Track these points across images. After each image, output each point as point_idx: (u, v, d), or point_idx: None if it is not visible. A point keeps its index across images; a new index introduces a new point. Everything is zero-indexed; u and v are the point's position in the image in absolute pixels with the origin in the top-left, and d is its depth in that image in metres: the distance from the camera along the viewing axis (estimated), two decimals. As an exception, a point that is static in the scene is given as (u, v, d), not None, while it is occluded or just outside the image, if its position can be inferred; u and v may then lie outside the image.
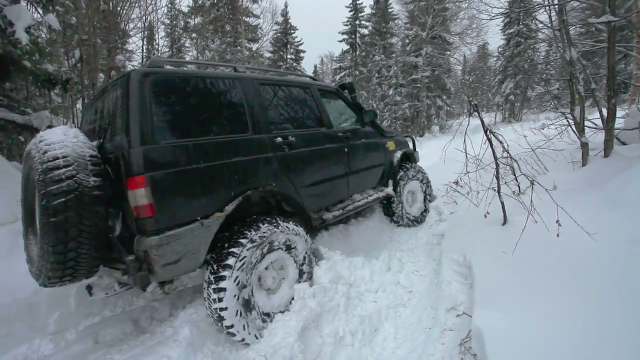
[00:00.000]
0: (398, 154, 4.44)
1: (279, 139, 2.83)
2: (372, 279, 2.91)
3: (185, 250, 2.12)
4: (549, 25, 5.62)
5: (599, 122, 4.97)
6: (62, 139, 2.04)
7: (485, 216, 2.70)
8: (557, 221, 2.15)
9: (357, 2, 28.23)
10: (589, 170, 3.84)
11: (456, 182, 3.02)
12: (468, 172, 2.92)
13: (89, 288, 2.76)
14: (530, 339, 1.56)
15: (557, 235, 2.13)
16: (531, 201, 2.44)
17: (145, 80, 2.16)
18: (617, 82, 5.00)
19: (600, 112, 4.82)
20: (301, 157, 3.01)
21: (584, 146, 4.50)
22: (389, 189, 4.20)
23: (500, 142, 2.76)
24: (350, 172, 3.62)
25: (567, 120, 5.02)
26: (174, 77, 2.37)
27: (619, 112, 5.00)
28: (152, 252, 1.97)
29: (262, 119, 2.77)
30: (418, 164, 4.91)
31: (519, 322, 1.67)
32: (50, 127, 4.38)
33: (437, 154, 4.87)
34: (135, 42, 11.03)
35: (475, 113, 2.91)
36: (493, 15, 5.61)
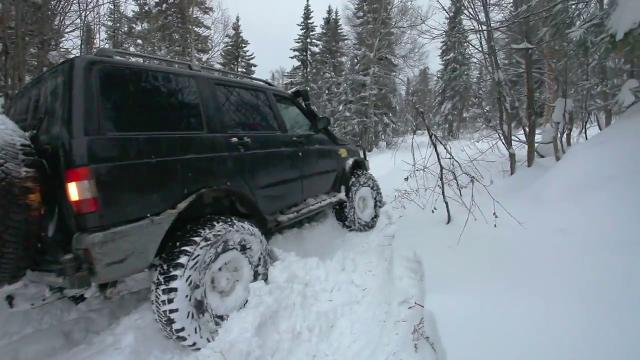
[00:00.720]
0: (350, 161, 4.58)
1: (234, 139, 2.80)
2: (327, 279, 2.95)
3: (133, 248, 1.97)
4: (480, 50, 6.38)
5: (523, 138, 5.68)
6: None
7: (433, 212, 2.91)
8: (494, 213, 2.40)
9: (309, 21, 29.17)
10: (516, 177, 4.34)
11: (406, 179, 3.22)
12: (416, 170, 3.12)
13: (10, 299, 2.41)
14: (476, 317, 1.70)
15: (495, 225, 2.36)
16: (472, 196, 2.68)
17: (92, 68, 2.03)
18: (536, 106, 5.79)
19: (524, 128, 5.51)
20: (256, 158, 3.00)
21: (512, 157, 5.08)
22: (342, 195, 4.30)
23: (444, 145, 3.01)
24: (304, 176, 3.66)
25: (498, 135, 5.65)
26: (124, 68, 2.26)
27: (538, 131, 5.76)
28: (95, 250, 1.81)
29: (217, 118, 2.73)
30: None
31: (466, 303, 1.81)
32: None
33: (385, 166, 5.15)
34: (72, 40, 10.13)
35: (422, 124, 3.17)
36: (434, 36, 6.19)
